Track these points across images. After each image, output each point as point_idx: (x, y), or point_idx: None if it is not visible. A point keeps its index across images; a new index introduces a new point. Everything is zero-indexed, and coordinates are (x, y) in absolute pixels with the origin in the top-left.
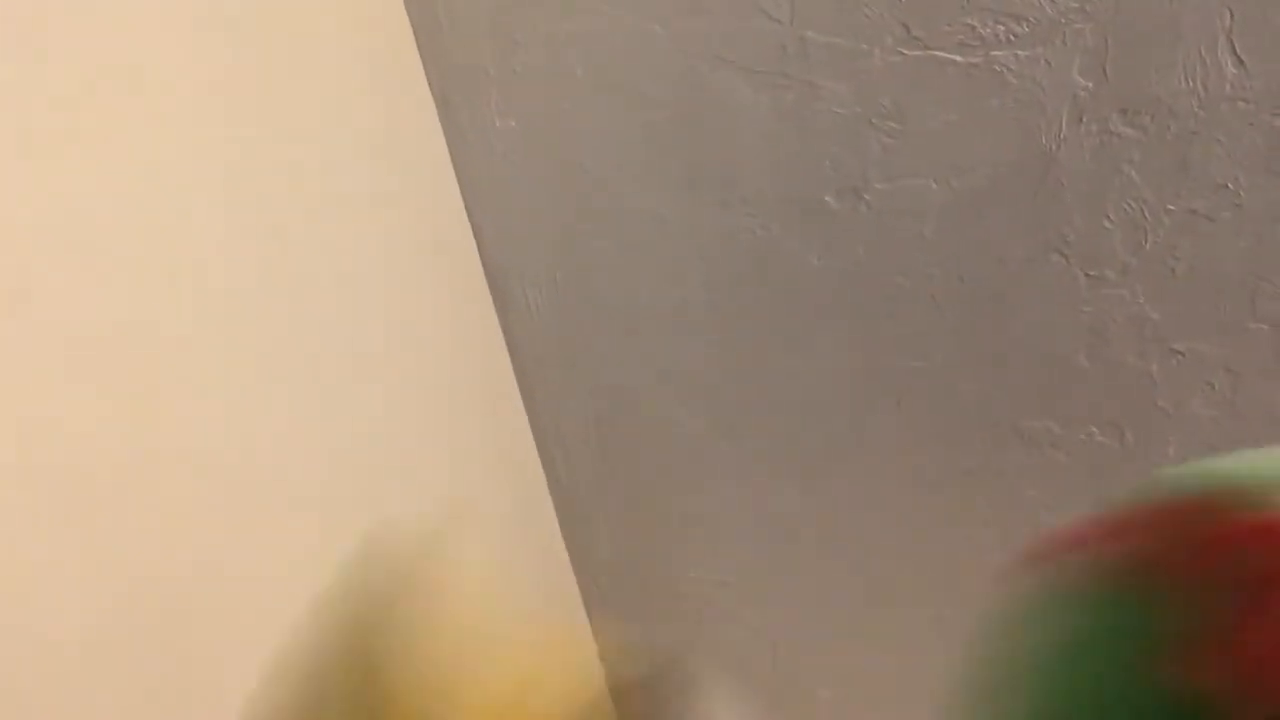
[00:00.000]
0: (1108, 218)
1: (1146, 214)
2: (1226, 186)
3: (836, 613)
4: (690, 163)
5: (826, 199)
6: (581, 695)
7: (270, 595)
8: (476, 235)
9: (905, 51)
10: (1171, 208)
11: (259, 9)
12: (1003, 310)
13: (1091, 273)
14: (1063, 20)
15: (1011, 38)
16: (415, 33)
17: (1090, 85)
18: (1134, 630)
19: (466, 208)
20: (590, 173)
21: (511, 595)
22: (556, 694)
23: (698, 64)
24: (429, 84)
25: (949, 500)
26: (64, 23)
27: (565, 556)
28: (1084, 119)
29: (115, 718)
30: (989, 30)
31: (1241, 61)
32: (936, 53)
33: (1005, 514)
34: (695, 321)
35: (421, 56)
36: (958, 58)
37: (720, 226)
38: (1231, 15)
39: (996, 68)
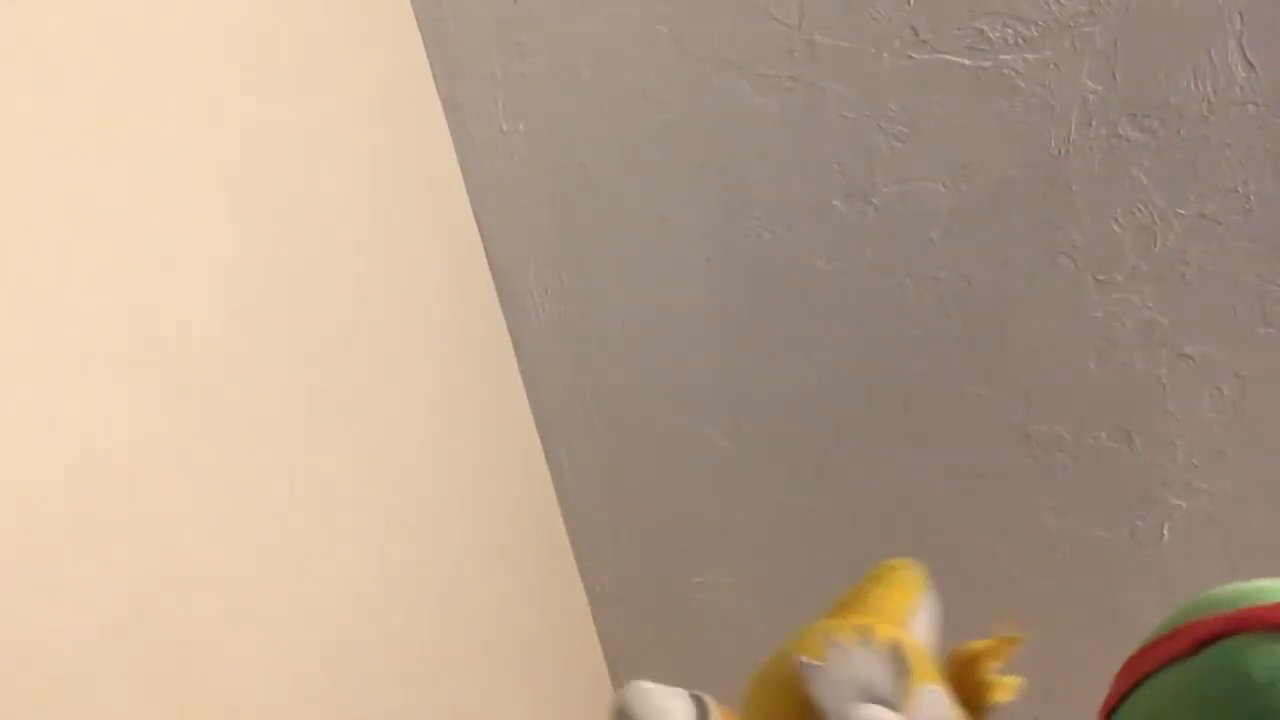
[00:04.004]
0: (1117, 221)
1: (1156, 218)
2: (1236, 190)
3: None
4: (697, 166)
5: (834, 202)
6: None
7: (274, 596)
8: (483, 238)
9: (914, 55)
10: (1181, 212)
11: (267, 14)
12: (1011, 314)
13: (1100, 277)
14: (1072, 24)
15: (1020, 41)
16: (423, 36)
17: (1099, 89)
18: None
19: (473, 210)
20: (596, 175)
21: (515, 595)
22: None
23: (705, 67)
24: (436, 87)
25: (956, 504)
26: (70, 25)
27: (570, 557)
28: (1093, 122)
29: (120, 717)
30: (998, 34)
31: (1251, 65)
32: (945, 56)
33: (1013, 518)
34: (701, 324)
35: (429, 60)
36: (966, 61)
37: (726, 229)
38: (1241, 19)
39: (1005, 71)
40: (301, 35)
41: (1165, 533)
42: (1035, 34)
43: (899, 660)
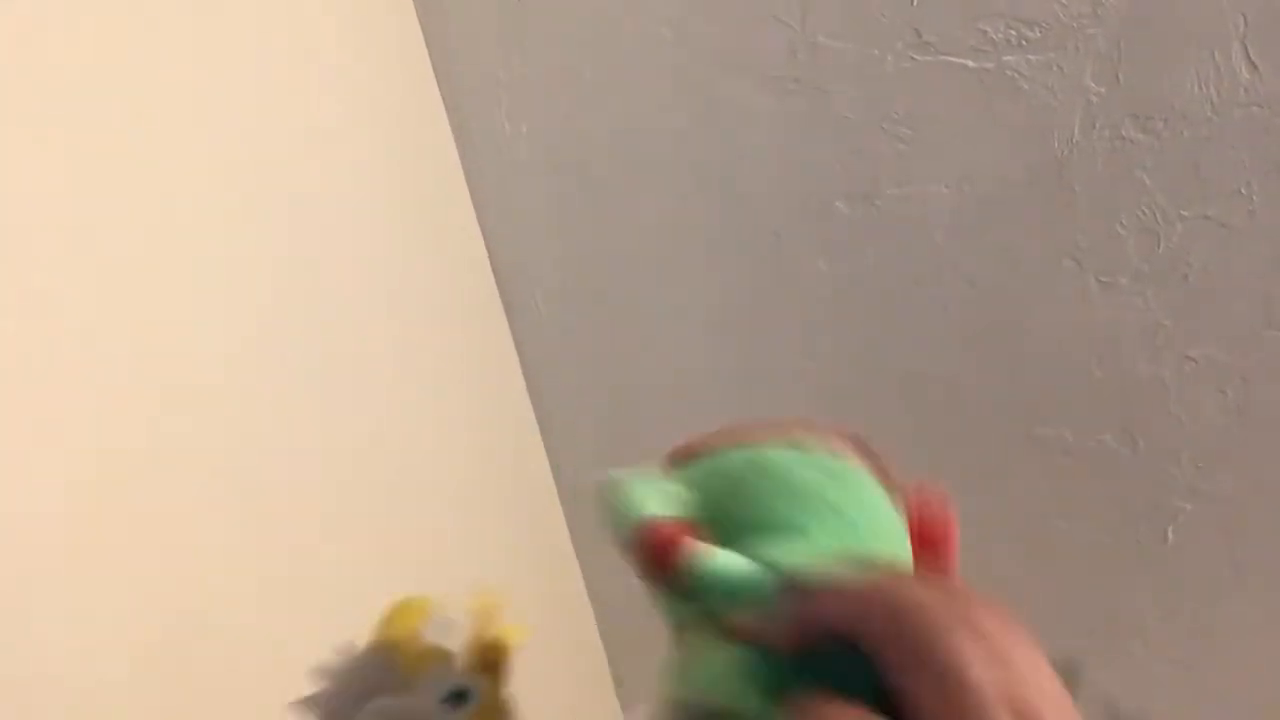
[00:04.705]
0: (1120, 224)
1: (1159, 220)
2: (1240, 192)
3: None
4: (699, 167)
5: (837, 204)
6: None
7: (276, 598)
8: (486, 239)
9: (917, 57)
10: (1185, 214)
11: (269, 16)
12: (1014, 316)
13: (1104, 279)
14: (1075, 26)
15: (1024, 43)
16: (426, 39)
17: (1103, 90)
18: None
19: (476, 212)
20: (599, 177)
21: (519, 597)
22: None
23: (708, 68)
24: (440, 90)
25: (960, 506)
26: (69, 26)
27: (572, 558)
28: (1096, 124)
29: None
30: (1001, 36)
31: (1255, 67)
32: (949, 58)
33: (1017, 520)
34: (703, 324)
35: (433, 62)
36: (970, 63)
37: (729, 230)
38: (1246, 20)
39: (1009, 73)
40: (303, 36)
41: (1169, 535)
42: (1038, 35)
43: (389, 658)
